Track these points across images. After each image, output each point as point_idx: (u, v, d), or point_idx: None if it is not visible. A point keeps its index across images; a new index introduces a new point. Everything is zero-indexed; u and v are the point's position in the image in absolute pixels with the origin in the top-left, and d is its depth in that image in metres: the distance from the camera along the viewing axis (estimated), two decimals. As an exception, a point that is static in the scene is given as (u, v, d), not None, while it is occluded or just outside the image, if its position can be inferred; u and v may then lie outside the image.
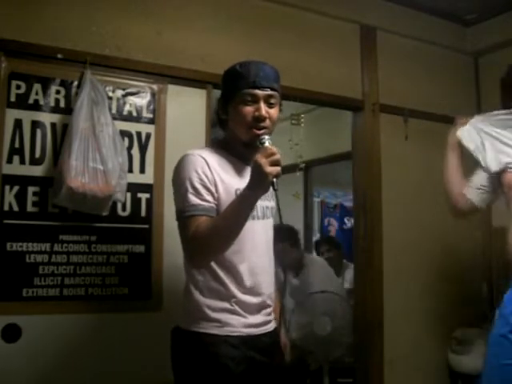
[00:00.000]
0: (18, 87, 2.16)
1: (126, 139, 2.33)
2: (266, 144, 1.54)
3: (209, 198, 1.57)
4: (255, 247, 1.67)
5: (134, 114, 2.38)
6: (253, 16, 2.69)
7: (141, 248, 2.31)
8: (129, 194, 2.29)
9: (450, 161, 2.26)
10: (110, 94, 2.32)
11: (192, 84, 2.50)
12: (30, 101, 2.17)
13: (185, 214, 1.55)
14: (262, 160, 1.42)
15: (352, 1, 2.97)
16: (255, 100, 1.61)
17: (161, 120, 2.41)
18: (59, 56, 2.21)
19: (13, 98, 2.14)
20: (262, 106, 1.61)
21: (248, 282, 1.64)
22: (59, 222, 2.18)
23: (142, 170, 2.35)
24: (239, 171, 1.68)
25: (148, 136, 2.39)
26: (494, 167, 2.03)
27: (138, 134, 2.37)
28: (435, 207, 2.87)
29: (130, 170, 2.30)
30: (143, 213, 2.33)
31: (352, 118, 3.09)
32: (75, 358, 2.14)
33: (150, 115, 2.40)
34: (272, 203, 1.76)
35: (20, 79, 2.16)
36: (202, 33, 2.53)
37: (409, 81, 3.10)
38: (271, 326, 1.74)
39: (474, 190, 2.16)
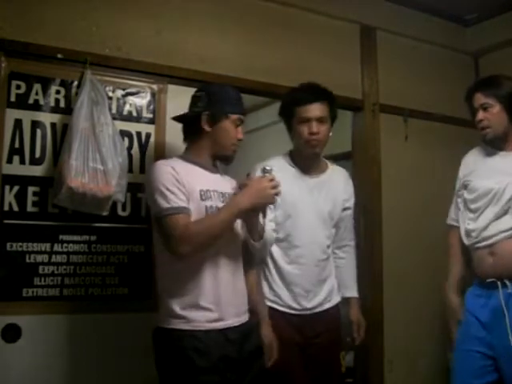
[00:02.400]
0: (18, 87, 2.16)
1: (126, 139, 2.33)
2: (273, 173, 1.85)
3: (183, 197, 1.75)
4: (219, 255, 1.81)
5: (134, 114, 2.38)
6: (253, 16, 2.69)
7: (141, 248, 2.31)
8: (129, 194, 2.29)
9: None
10: (110, 94, 2.32)
11: (192, 84, 2.48)
12: (30, 101, 2.17)
13: (167, 213, 1.72)
14: (266, 184, 1.79)
15: (352, 1, 2.97)
16: (240, 123, 1.89)
17: (161, 120, 2.41)
18: (59, 56, 2.21)
19: (13, 98, 2.14)
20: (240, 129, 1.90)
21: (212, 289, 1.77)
22: (59, 222, 2.18)
23: (142, 170, 2.35)
24: (205, 176, 1.86)
25: (148, 136, 2.39)
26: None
27: (138, 134, 2.37)
28: (435, 207, 2.87)
29: (130, 170, 2.30)
30: (143, 213, 2.33)
31: (352, 118, 3.09)
32: (75, 358, 2.14)
33: (150, 115, 2.40)
34: None
35: (20, 79, 2.16)
36: (202, 33, 2.53)
37: (409, 81, 3.10)
38: (241, 320, 1.83)
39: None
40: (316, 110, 2.13)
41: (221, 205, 1.81)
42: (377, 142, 3.01)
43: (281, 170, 2.19)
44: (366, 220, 2.93)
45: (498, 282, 2.07)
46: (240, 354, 1.77)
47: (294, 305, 2.14)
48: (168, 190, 1.73)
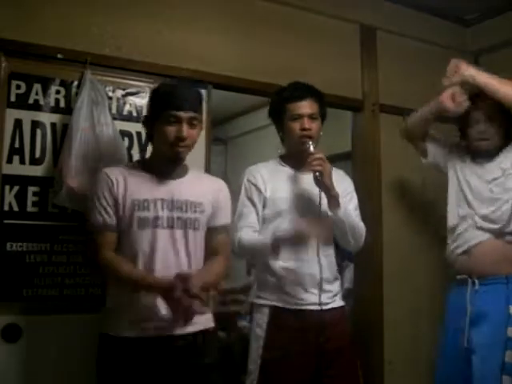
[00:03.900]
0: (18, 87, 2.16)
1: (126, 139, 2.33)
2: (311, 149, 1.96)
3: (110, 215, 1.79)
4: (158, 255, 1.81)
5: (134, 114, 2.37)
6: (253, 16, 2.69)
7: (141, 248, 2.31)
8: (129, 194, 2.29)
9: (429, 110, 2.45)
10: (110, 94, 2.32)
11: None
12: (30, 101, 2.17)
13: (92, 229, 1.81)
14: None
15: (352, 1, 2.97)
16: (177, 121, 1.80)
17: (161, 120, 2.41)
18: (59, 56, 2.20)
19: (13, 98, 2.14)
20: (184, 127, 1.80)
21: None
22: (59, 222, 2.18)
23: (142, 170, 2.35)
24: (149, 184, 1.85)
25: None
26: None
27: (138, 134, 2.36)
28: (436, 207, 2.87)
29: (130, 170, 2.30)
30: (143, 213, 2.33)
31: (352, 118, 3.09)
32: (75, 358, 2.14)
33: (150, 115, 2.40)
34: (196, 215, 1.88)
35: (20, 79, 2.16)
36: (201, 33, 2.53)
37: (409, 81, 3.10)
38: (190, 329, 1.80)
39: (432, 144, 2.55)
40: (307, 106, 2.14)
41: (169, 214, 1.82)
42: (377, 142, 3.01)
43: (271, 169, 2.24)
44: (366, 220, 2.92)
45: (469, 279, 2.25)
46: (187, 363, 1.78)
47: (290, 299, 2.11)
48: (99, 203, 1.80)
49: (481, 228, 2.26)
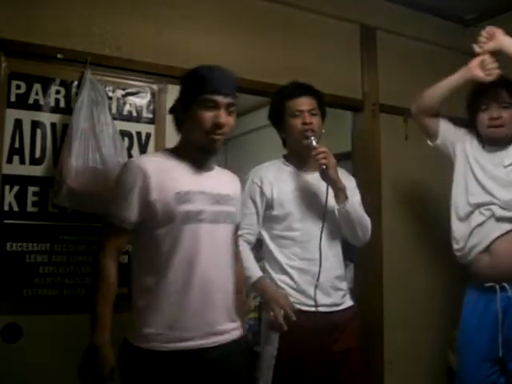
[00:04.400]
0: (18, 87, 2.16)
1: (126, 139, 2.33)
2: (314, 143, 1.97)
3: (132, 213, 1.64)
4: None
5: (134, 114, 2.38)
6: (253, 16, 2.69)
7: (141, 248, 2.31)
8: (129, 194, 2.29)
9: (456, 80, 2.31)
10: (110, 94, 2.32)
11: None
12: (30, 101, 2.17)
13: (108, 222, 1.68)
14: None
15: (352, 1, 2.97)
16: (215, 106, 1.66)
17: (161, 120, 2.41)
18: (59, 56, 2.20)
19: (13, 98, 2.14)
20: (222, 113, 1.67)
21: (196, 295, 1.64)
22: (59, 222, 2.18)
23: (142, 170, 2.35)
24: (186, 175, 1.71)
25: (148, 136, 2.39)
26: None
27: (138, 133, 2.37)
28: (436, 207, 2.87)
29: (130, 170, 2.30)
30: (143, 213, 2.33)
31: (352, 118, 3.09)
32: (75, 358, 2.14)
33: (150, 115, 2.40)
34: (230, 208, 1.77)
35: (20, 79, 2.16)
36: (202, 33, 2.53)
37: (409, 81, 3.10)
38: (222, 340, 1.68)
39: (445, 122, 2.40)
40: (306, 103, 2.17)
41: (211, 208, 1.68)
42: (377, 142, 3.01)
43: (275, 170, 2.25)
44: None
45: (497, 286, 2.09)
46: (220, 376, 1.66)
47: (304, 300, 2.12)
48: (123, 196, 1.64)
49: (501, 218, 2.09)
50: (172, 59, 2.44)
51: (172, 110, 1.83)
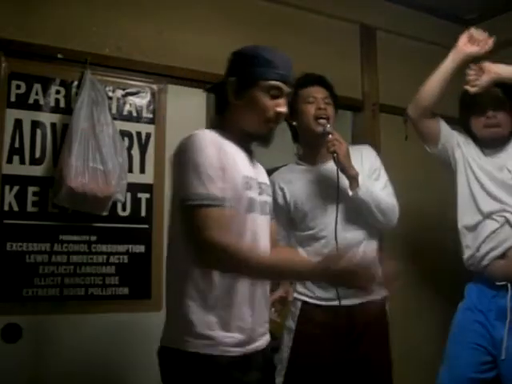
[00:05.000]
0: (18, 87, 2.16)
1: (126, 139, 2.33)
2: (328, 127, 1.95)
3: (219, 188, 1.39)
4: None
5: (134, 114, 2.38)
6: (253, 16, 2.69)
7: (141, 248, 2.31)
8: (129, 194, 2.29)
9: (449, 66, 2.19)
10: (110, 94, 2.32)
11: (192, 84, 2.49)
12: (30, 101, 2.17)
13: (198, 203, 1.36)
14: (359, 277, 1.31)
15: (352, 1, 2.97)
16: (280, 95, 1.52)
17: (161, 120, 2.41)
18: (59, 56, 2.21)
19: (13, 98, 2.14)
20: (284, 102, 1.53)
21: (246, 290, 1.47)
22: (59, 222, 2.18)
23: (142, 170, 2.35)
24: (245, 160, 1.54)
25: (148, 136, 2.39)
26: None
27: (138, 133, 2.37)
28: (436, 207, 2.87)
29: (130, 170, 2.30)
30: (143, 213, 2.33)
31: (352, 118, 3.08)
32: (75, 358, 2.14)
33: (150, 115, 2.40)
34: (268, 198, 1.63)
35: (20, 79, 2.16)
36: (201, 33, 2.53)
37: (409, 81, 3.07)
38: (264, 343, 1.55)
39: (445, 124, 2.30)
40: (320, 91, 2.16)
41: (259, 198, 1.51)
42: (377, 142, 3.00)
43: (288, 172, 2.25)
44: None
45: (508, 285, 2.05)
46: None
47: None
48: (202, 172, 1.38)
49: None
50: (172, 59, 2.44)
51: (216, 88, 1.63)
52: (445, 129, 2.28)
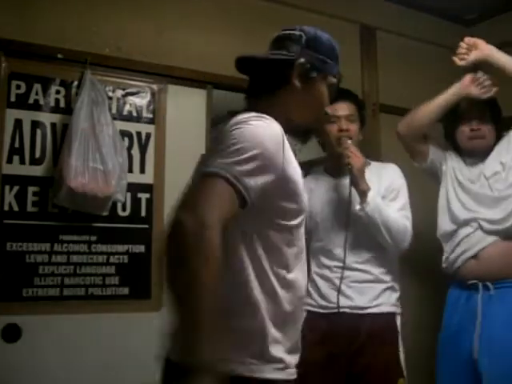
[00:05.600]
0: (18, 87, 2.16)
1: (126, 139, 2.33)
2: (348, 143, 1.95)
3: (256, 181, 1.12)
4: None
5: (134, 114, 2.38)
6: (253, 16, 2.69)
7: (141, 248, 2.31)
8: (129, 194, 2.29)
9: (449, 98, 2.23)
10: (110, 94, 2.32)
11: (192, 84, 2.49)
12: (30, 101, 2.17)
13: (215, 171, 1.09)
14: None
15: (352, 1, 2.97)
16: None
17: (161, 120, 2.41)
18: (59, 56, 2.21)
19: (13, 98, 2.14)
20: None
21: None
22: (59, 222, 2.17)
23: (142, 170, 2.35)
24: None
25: (148, 136, 2.39)
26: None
27: (138, 133, 2.37)
28: (435, 207, 2.86)
29: (130, 170, 2.30)
30: (143, 213, 2.33)
31: (352, 118, 3.08)
32: (75, 358, 2.14)
33: (150, 115, 2.40)
34: None
35: (20, 79, 2.16)
36: (201, 33, 2.53)
37: (409, 81, 3.10)
38: None
39: (434, 144, 2.35)
40: (344, 108, 2.13)
41: None
42: (377, 142, 3.01)
43: (312, 180, 2.26)
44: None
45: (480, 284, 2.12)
46: None
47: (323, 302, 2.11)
48: (252, 157, 1.13)
49: (488, 231, 2.14)
50: (172, 59, 2.44)
51: (255, 65, 1.44)
52: (433, 153, 2.34)
